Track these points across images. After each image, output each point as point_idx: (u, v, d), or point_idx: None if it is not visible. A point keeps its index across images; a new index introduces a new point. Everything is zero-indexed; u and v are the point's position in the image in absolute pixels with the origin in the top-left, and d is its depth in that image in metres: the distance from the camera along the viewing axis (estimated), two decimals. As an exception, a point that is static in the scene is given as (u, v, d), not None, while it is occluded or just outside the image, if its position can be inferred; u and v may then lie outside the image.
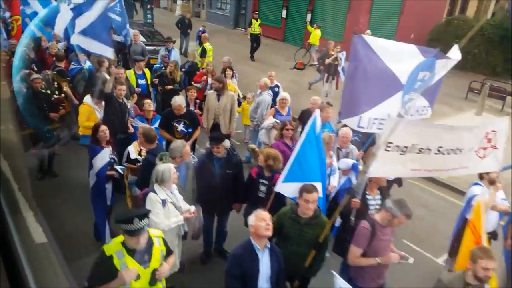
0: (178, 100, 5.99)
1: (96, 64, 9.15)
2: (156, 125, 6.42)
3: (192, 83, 9.56)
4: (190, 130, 6.30)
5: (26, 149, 5.68)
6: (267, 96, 7.89)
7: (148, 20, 17.84)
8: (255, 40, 15.70)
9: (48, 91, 6.53)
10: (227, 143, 4.79)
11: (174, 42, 10.78)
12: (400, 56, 4.65)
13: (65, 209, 6.16)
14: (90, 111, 6.28)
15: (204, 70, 9.51)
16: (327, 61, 11.72)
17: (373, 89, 4.60)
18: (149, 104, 6.35)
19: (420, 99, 5.22)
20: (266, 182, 4.73)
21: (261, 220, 3.35)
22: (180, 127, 6.18)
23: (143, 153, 5.43)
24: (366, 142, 5.51)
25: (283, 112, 7.35)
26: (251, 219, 3.41)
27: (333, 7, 17.18)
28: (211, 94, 7.51)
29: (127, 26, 11.68)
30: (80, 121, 6.28)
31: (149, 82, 8.40)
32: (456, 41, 16.75)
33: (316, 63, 15.84)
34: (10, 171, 1.34)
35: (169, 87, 8.63)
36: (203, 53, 11.63)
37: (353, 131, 5.74)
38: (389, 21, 17.78)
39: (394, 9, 17.67)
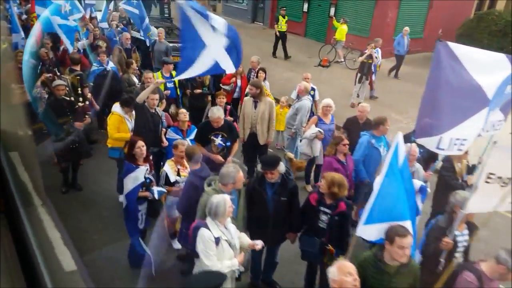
0: (217, 112, 5.37)
1: (118, 66, 8.59)
2: (192, 137, 5.83)
3: (220, 85, 8.94)
4: (228, 143, 5.69)
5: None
6: (307, 101, 7.23)
7: (165, 15, 17.18)
8: (282, 38, 14.89)
9: (72, 99, 5.94)
10: (282, 167, 4.17)
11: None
12: (488, 67, 3.97)
13: (93, 228, 5.62)
14: (120, 121, 5.70)
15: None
16: (360, 59, 11.00)
17: (457, 105, 3.93)
18: (184, 114, 5.75)
19: (496, 113, 4.56)
20: (328, 211, 4.10)
21: (346, 275, 2.75)
22: (218, 140, 5.57)
23: (182, 172, 4.84)
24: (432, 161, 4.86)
25: (326, 120, 6.70)
26: (333, 272, 2.81)
27: (359, 1, 16.34)
28: (247, 101, 6.87)
29: (147, 20, 11.07)
30: (110, 133, 5.71)
31: (177, 85, 7.78)
32: (488, 37, 16.13)
33: (343, 60, 15.16)
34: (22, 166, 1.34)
35: (198, 90, 8.02)
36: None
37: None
38: (417, 16, 16.92)
39: (423, 3, 16.78)
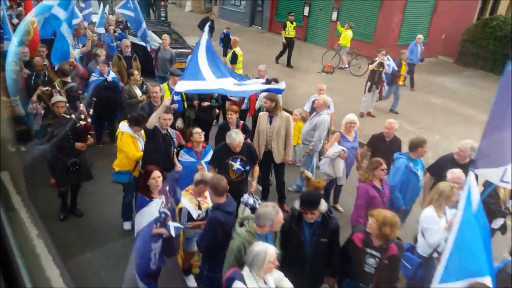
0: (237, 137, 4.81)
1: (118, 75, 7.99)
2: (207, 159, 5.26)
3: (228, 96, 8.36)
4: (247, 167, 5.13)
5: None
6: (326, 116, 6.70)
7: (162, 18, 16.57)
8: (290, 45, 14.32)
9: (73, 116, 5.32)
10: (324, 206, 3.62)
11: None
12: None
13: (99, 263, 5.01)
14: (132, 142, 5.10)
15: (241, 81, 8.30)
16: (371, 67, 10.49)
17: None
18: (199, 134, 5.16)
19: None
20: (376, 254, 3.57)
21: None
22: (237, 165, 5.01)
23: (203, 204, 4.27)
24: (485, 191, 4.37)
25: (350, 137, 6.18)
26: None
27: (363, 5, 15.91)
28: (262, 116, 6.33)
29: (144, 25, 10.46)
30: (131, 153, 5.13)
31: (184, 97, 7.17)
32: (493, 42, 15.81)
33: (347, 66, 14.69)
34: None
35: (206, 103, 7.42)
36: (234, 59, 10.39)
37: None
38: (421, 21, 16.54)
39: (427, 8, 16.42)
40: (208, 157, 5.29)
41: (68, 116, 5.27)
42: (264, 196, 6.50)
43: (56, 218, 5.72)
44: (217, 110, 7.91)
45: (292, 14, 14.37)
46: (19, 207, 1.39)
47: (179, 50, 11.36)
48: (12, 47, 7.55)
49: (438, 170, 5.19)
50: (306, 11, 18.18)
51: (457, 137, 10.06)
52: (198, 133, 5.17)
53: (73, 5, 7.68)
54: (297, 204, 3.67)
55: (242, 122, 6.31)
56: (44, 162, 6.64)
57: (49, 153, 6.18)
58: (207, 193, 4.34)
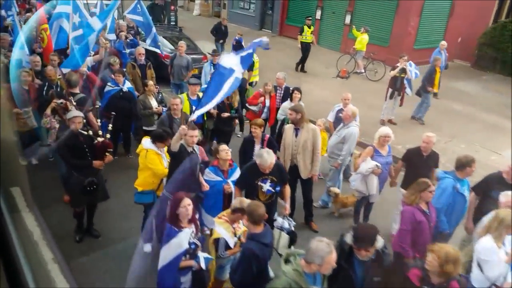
0: (268, 158, 4.42)
1: (132, 84, 7.64)
2: (234, 178, 4.88)
3: (247, 105, 8.01)
4: (278, 188, 4.74)
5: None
6: (356, 128, 6.32)
7: (172, 23, 16.22)
8: (306, 50, 13.92)
9: (90, 133, 4.97)
10: (380, 242, 3.23)
11: (218, 55, 9.13)
12: None
13: (100, 268, 4.77)
14: (157, 160, 4.74)
15: (261, 90, 7.94)
16: (392, 73, 10.10)
17: None
18: (226, 152, 4.79)
19: None
20: (437, 293, 3.17)
21: None
22: (267, 186, 4.63)
23: (239, 230, 3.90)
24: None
25: (383, 151, 5.79)
26: None
27: (378, 8, 15.50)
28: (288, 128, 5.97)
29: (154, 29, 10.13)
30: (159, 170, 4.78)
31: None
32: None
33: (363, 71, 14.28)
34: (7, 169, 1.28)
35: (226, 114, 7.06)
36: (250, 66, 10.01)
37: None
38: (438, 24, 16.12)
39: (444, 10, 15.99)
40: (235, 176, 4.92)
41: (85, 132, 4.91)
42: (290, 214, 6.12)
43: (71, 240, 5.37)
44: (236, 121, 7.53)
45: (310, 18, 13.94)
46: (31, 225, 1.31)
47: (191, 56, 11.00)
48: (24, 55, 7.25)
49: (484, 190, 4.81)
50: (318, 14, 17.79)
51: (482, 146, 9.66)
52: (224, 150, 4.80)
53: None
54: (348, 238, 3.28)
55: (268, 136, 5.93)
56: (56, 176, 6.39)
57: (63, 168, 5.88)
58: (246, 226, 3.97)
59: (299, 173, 5.91)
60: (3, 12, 10.48)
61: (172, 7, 16.44)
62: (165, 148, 4.94)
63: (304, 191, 6.08)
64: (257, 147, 5.87)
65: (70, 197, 5.32)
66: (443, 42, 11.84)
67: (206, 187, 4.73)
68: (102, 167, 5.04)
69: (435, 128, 10.42)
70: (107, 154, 4.97)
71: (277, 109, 7.88)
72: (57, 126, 5.55)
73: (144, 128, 7.08)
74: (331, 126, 7.31)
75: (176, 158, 4.50)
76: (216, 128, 7.27)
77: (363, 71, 14.20)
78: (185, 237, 3.59)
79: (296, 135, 5.84)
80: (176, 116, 5.98)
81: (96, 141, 4.94)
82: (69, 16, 8.47)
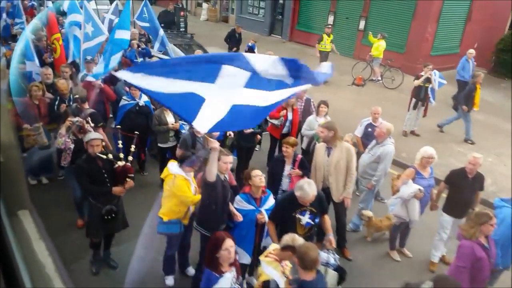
0: (311, 191, 3.95)
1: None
2: (268, 206, 4.43)
3: (267, 118, 7.55)
4: (317, 219, 4.29)
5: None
6: (391, 146, 5.87)
7: (181, 29, 15.81)
8: (324, 59, 13.44)
9: (110, 156, 4.53)
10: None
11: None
12: None
13: None
14: (186, 186, 4.29)
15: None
16: (416, 82, 9.63)
17: None
18: (260, 178, 4.33)
19: None
20: None
21: None
22: (306, 219, 4.17)
23: (287, 269, 3.44)
24: None
25: (425, 173, 5.34)
26: None
27: (394, 14, 15.05)
28: (319, 147, 5.53)
29: (161, 32, 9.71)
30: (170, 204, 4.31)
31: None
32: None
33: (380, 79, 13.83)
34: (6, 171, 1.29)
35: (248, 130, 6.62)
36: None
37: None
38: (455, 30, 15.65)
39: (461, 16, 15.52)
40: (269, 204, 4.46)
41: (104, 156, 4.47)
42: (319, 239, 5.67)
43: (87, 273, 4.92)
44: (258, 136, 7.09)
45: (330, 26, 13.47)
46: (42, 256, 1.22)
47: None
48: (34, 67, 6.85)
49: (451, 181, 4.86)
50: (330, 19, 17.34)
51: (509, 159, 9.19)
52: (258, 176, 4.34)
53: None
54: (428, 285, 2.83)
55: (300, 156, 5.48)
56: (67, 195, 5.96)
57: (77, 192, 5.46)
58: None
59: (331, 196, 5.46)
60: (4, 16, 10.08)
61: (182, 13, 16.02)
62: (192, 173, 4.50)
63: (336, 215, 5.62)
64: (287, 167, 5.43)
65: (86, 226, 4.88)
66: (471, 51, 11.35)
67: (238, 217, 4.28)
68: (122, 193, 4.59)
69: (460, 140, 9.98)
70: (127, 179, 4.52)
71: (299, 122, 7.45)
72: (72, 146, 5.11)
73: (160, 145, 6.65)
74: (359, 142, 6.86)
75: (209, 185, 4.05)
76: (237, 144, 6.82)
77: (379, 78, 13.75)
78: (226, 283, 3.15)
79: (328, 154, 5.40)
80: (199, 134, 5.55)
81: (116, 165, 4.50)
82: (80, 25, 8.09)
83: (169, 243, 4.66)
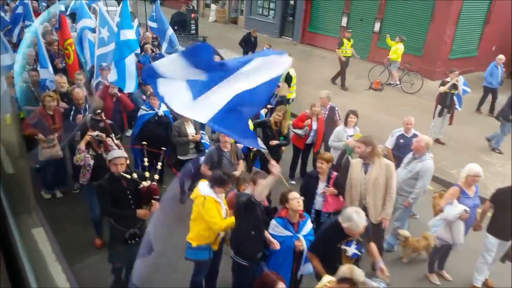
0: (361, 222, 3.56)
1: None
2: (306, 232, 4.06)
3: (291, 129, 7.18)
4: (363, 249, 3.91)
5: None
6: (431, 162, 5.48)
7: (192, 31, 15.44)
8: (346, 65, 13.03)
9: (135, 175, 4.16)
10: None
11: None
12: None
13: (103, 269, 4.35)
14: (216, 210, 3.92)
15: (307, 111, 7.10)
16: (442, 89, 9.21)
17: None
18: (298, 201, 3.95)
19: None
20: None
21: None
22: (352, 250, 3.79)
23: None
24: None
25: (471, 192, 4.95)
26: None
27: (411, 16, 14.62)
28: (355, 164, 5.13)
29: (169, 32, 9.39)
30: (198, 228, 3.95)
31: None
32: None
33: (398, 83, 13.41)
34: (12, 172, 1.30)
35: (275, 142, 6.25)
36: (288, 82, 9.20)
37: None
38: (473, 32, 15.20)
39: (480, 18, 15.08)
40: (307, 229, 4.09)
41: (129, 176, 4.11)
42: (355, 263, 5.29)
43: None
44: (283, 148, 6.72)
45: (350, 31, 13.02)
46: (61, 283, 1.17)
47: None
48: (48, 74, 6.50)
49: (496, 201, 4.53)
50: (344, 21, 16.94)
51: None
52: (296, 199, 3.97)
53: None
54: None
55: (335, 174, 5.09)
56: (83, 210, 5.64)
57: (95, 210, 5.12)
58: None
59: (368, 216, 5.07)
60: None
61: (193, 15, 15.64)
62: (223, 195, 4.14)
63: (373, 237, 5.22)
64: (321, 185, 5.07)
65: (108, 251, 4.51)
66: (501, 56, 10.87)
67: (276, 245, 3.90)
68: (147, 216, 4.22)
69: (485, 149, 9.56)
70: (153, 201, 4.15)
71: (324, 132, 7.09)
72: (91, 162, 4.75)
73: (179, 157, 6.29)
74: (389, 154, 6.47)
75: (249, 208, 3.68)
76: (261, 157, 6.45)
77: (398, 82, 13.34)
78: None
79: (365, 171, 5.01)
80: (226, 149, 5.18)
81: (141, 186, 4.13)
82: (91, 29, 7.76)
83: (197, 269, 4.30)
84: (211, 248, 4.12)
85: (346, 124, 6.53)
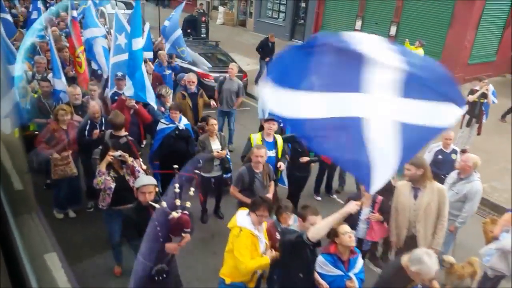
0: (434, 265, 3.07)
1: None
2: (356, 270, 3.59)
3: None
4: None
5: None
6: (479, 183, 5.01)
7: (202, 35, 15.00)
8: None
9: (164, 205, 3.71)
10: None
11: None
12: None
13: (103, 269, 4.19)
14: (252, 243, 3.47)
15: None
16: (471, 98, 8.74)
17: None
18: (350, 236, 3.49)
19: None
20: None
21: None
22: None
23: None
24: None
25: (528, 219, 4.47)
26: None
27: (429, 20, 14.16)
28: (403, 187, 4.65)
29: (177, 33, 8.99)
30: (232, 264, 3.51)
31: (280, 151, 5.52)
32: None
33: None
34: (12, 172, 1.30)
35: (305, 159, 5.79)
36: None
37: None
38: (493, 37, 14.73)
39: (499, 22, 14.61)
40: (358, 267, 3.62)
41: (157, 205, 3.66)
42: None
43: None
44: (312, 165, 6.26)
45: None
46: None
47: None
48: (62, 85, 6.07)
49: None
50: (358, 24, 16.49)
51: None
52: (348, 233, 3.51)
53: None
54: None
55: (381, 198, 4.62)
56: (100, 233, 5.21)
57: (115, 237, 4.68)
58: None
59: (417, 245, 4.60)
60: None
61: (203, 18, 15.19)
62: (264, 226, 3.69)
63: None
64: (365, 210, 4.61)
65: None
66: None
67: (325, 286, 3.45)
68: (177, 251, 3.77)
69: (505, 157, 9.07)
70: (183, 235, 3.70)
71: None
72: (112, 186, 4.30)
73: (203, 174, 5.84)
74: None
75: (298, 247, 3.22)
76: (289, 175, 6.00)
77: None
78: None
79: (415, 196, 4.53)
80: (258, 170, 4.72)
81: (171, 216, 3.69)
82: (103, 36, 7.33)
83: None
84: (247, 287, 3.67)
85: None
